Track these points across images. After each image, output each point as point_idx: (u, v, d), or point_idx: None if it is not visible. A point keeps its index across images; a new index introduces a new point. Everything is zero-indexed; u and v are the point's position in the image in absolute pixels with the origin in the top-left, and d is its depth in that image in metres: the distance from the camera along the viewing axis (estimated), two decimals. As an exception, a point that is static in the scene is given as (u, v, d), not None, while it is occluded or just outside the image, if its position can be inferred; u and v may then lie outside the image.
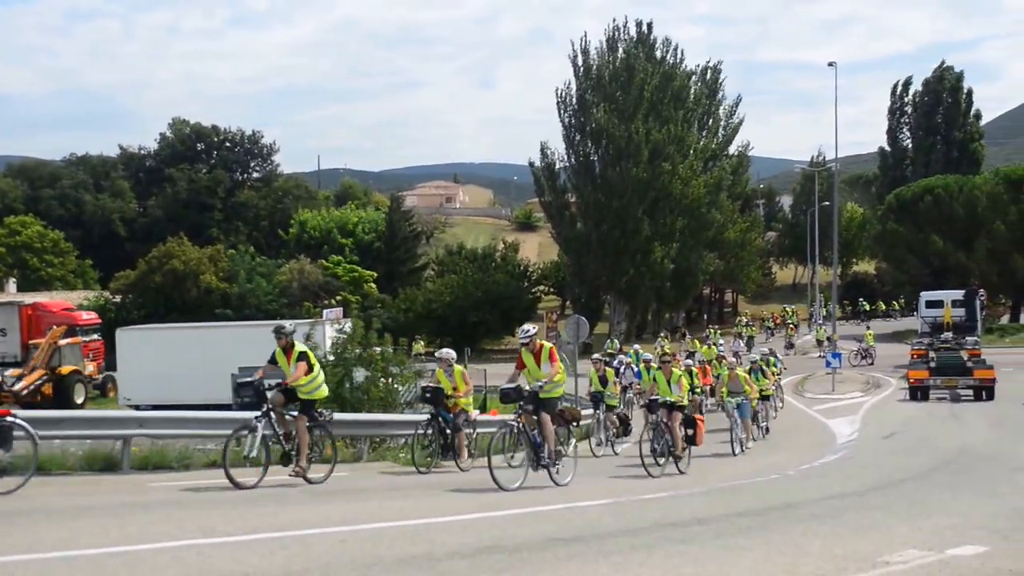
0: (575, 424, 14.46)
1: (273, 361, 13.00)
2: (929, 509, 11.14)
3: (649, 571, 6.99)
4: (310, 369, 12.93)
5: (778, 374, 30.64)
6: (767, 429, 25.00)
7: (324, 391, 13.42)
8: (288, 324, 13.79)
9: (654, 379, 17.61)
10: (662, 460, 15.87)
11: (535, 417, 12.85)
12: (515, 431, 13.04)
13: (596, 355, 24.99)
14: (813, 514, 10.57)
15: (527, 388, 13.07)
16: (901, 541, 8.36)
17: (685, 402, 16.98)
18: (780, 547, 8.12)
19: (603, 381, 21.52)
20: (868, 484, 14.09)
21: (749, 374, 23.52)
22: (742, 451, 20.75)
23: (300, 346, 13.31)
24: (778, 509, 11.01)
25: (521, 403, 12.93)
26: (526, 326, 14.67)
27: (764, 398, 24.77)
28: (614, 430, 21.43)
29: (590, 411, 21.71)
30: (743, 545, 8.26)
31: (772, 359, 30.26)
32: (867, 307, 74.44)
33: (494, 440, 13.33)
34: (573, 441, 14.28)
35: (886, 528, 9.48)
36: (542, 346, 13.50)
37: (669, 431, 16.10)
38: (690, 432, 16.76)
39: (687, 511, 10.77)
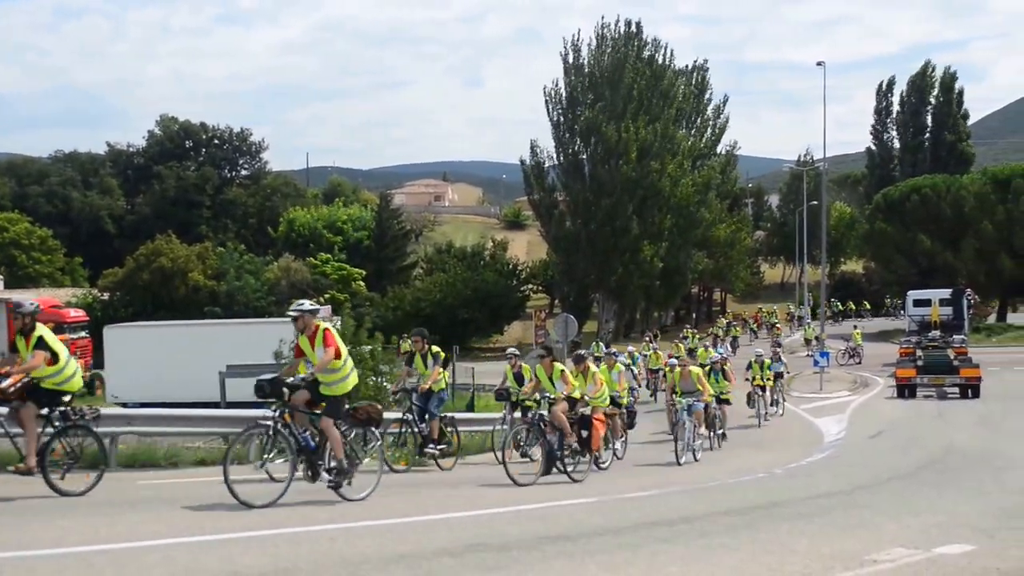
0: (375, 427, 11.39)
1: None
2: (916, 508, 11.19)
3: (635, 569, 7.01)
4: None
5: (768, 377, 29.35)
6: (723, 436, 22.96)
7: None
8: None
9: (536, 375, 15.15)
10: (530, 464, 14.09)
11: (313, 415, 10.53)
12: (272, 432, 10.16)
13: (512, 349, 20.97)
14: (800, 513, 10.61)
15: (292, 379, 10.44)
16: (888, 540, 8.40)
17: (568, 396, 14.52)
18: (767, 546, 8.15)
19: (519, 379, 19.10)
20: (855, 483, 14.14)
21: (708, 375, 22.13)
22: (695, 459, 18.22)
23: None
24: (765, 508, 11.04)
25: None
26: (301, 300, 11.25)
27: (723, 401, 23.15)
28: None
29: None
30: (729, 544, 8.29)
31: (768, 360, 29.61)
32: (840, 307, 74.54)
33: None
34: (374, 445, 11.59)
35: (873, 527, 9.52)
36: (317, 327, 10.64)
37: (553, 431, 13.84)
38: (584, 434, 14.41)
39: (673, 510, 10.80)
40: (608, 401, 16.36)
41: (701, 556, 7.64)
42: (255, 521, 8.68)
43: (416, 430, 15.47)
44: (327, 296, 63.04)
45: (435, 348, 16.44)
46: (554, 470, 13.63)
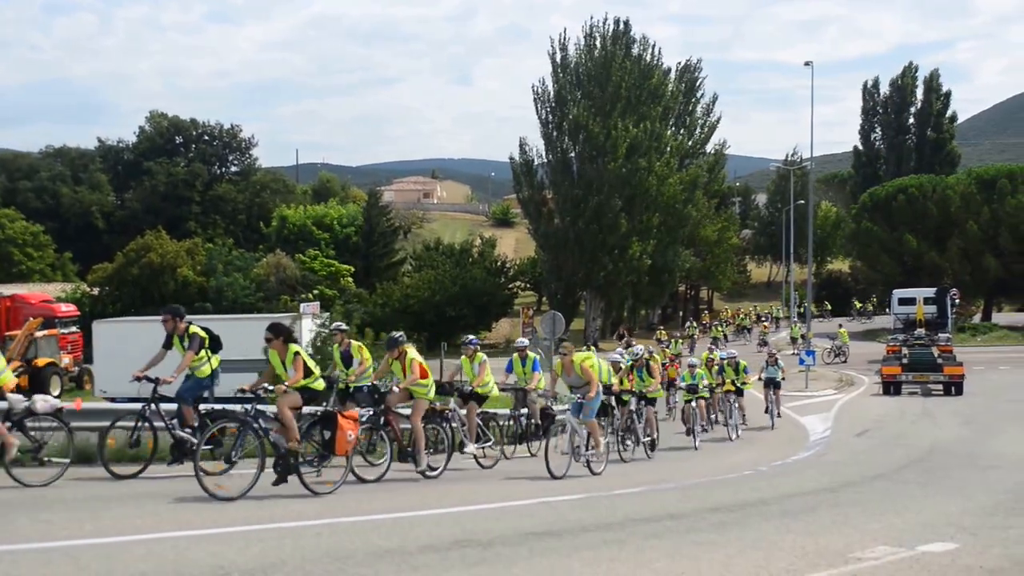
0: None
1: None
2: (901, 506, 11.26)
3: (621, 565, 7.04)
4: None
5: (743, 381, 25.78)
6: (651, 443, 18.78)
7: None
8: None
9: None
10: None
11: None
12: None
13: (471, 337, 18.07)
14: (786, 510, 10.65)
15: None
16: (873, 537, 8.46)
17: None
18: (753, 543, 8.19)
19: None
20: (840, 481, 14.20)
21: (631, 371, 18.94)
22: (592, 472, 14.33)
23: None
24: (751, 505, 11.08)
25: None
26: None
27: (648, 401, 18.97)
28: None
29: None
30: (715, 540, 8.33)
31: (743, 363, 26.26)
32: (813, 309, 74.21)
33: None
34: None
35: (858, 524, 9.57)
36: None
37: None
38: (327, 434, 11.04)
39: (660, 506, 10.84)
40: (432, 393, 13.69)
41: (688, 552, 7.67)
42: (241, 516, 8.68)
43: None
44: (315, 292, 62.98)
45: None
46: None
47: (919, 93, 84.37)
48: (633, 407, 18.37)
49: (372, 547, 7.37)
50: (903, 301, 38.96)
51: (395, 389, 13.18)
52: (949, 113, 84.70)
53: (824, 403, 32.66)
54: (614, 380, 17.62)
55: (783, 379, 28.73)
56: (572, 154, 65.51)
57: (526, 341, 16.24)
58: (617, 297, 67.95)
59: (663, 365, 28.59)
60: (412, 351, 13.26)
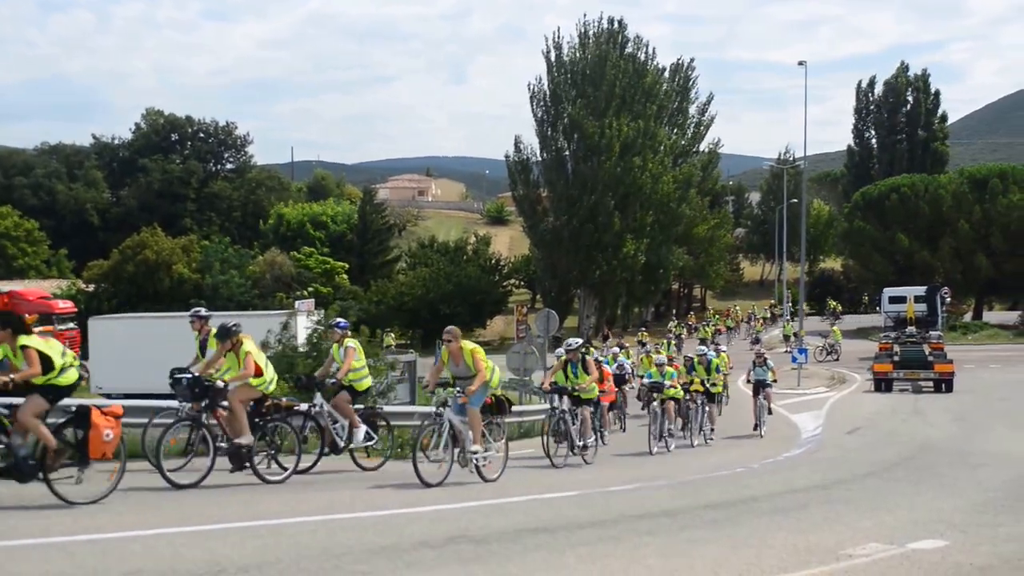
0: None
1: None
2: (891, 503, 11.32)
3: (615, 562, 7.09)
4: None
5: (715, 382, 23.68)
6: (584, 447, 16.51)
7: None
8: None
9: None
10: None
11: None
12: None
13: (339, 320, 15.88)
14: (777, 507, 10.71)
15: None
16: (864, 535, 8.51)
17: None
18: (745, 540, 8.25)
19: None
20: (832, 478, 14.26)
21: (565, 366, 16.90)
22: (483, 479, 12.49)
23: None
24: (743, 502, 11.14)
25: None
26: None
27: (584, 402, 16.70)
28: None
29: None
30: (708, 537, 8.39)
31: (716, 361, 23.99)
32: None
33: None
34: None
35: (849, 522, 9.63)
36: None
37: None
38: (79, 434, 9.56)
39: (653, 503, 10.89)
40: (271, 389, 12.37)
41: (681, 549, 7.73)
42: (237, 512, 8.72)
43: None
44: (310, 290, 63.00)
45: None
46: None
47: (911, 93, 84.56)
48: (565, 406, 16.11)
49: (367, 544, 7.41)
50: (893, 299, 39.16)
51: (220, 383, 11.70)
52: (940, 113, 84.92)
53: (816, 401, 32.75)
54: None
55: (774, 381, 25.98)
56: (567, 152, 65.56)
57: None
58: (611, 295, 68.01)
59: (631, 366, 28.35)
60: (248, 343, 11.92)
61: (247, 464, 11.50)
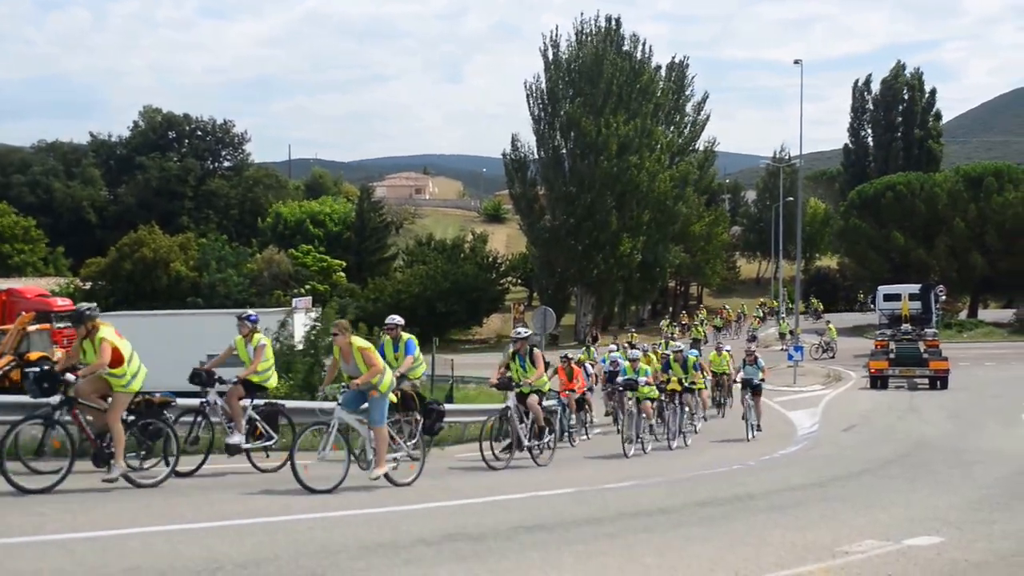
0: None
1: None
2: (887, 500, 11.35)
3: (611, 559, 7.11)
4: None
5: (692, 381, 21.95)
6: (547, 447, 15.57)
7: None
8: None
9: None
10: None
11: None
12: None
13: (249, 312, 14.35)
14: (774, 505, 10.73)
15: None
16: (860, 531, 8.53)
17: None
18: (741, 537, 8.27)
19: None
20: (828, 476, 14.29)
21: (514, 358, 15.56)
22: (403, 483, 11.40)
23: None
24: (739, 499, 11.16)
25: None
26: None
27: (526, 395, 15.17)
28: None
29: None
30: (705, 535, 8.41)
31: (692, 358, 22.53)
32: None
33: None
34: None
35: (845, 519, 9.65)
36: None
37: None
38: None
39: (650, 501, 10.90)
40: (136, 384, 11.03)
41: (677, 547, 7.75)
42: (234, 509, 8.73)
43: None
44: (308, 287, 63.02)
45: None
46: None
47: (906, 92, 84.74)
48: (511, 403, 14.83)
49: (364, 541, 7.43)
50: (888, 297, 39.31)
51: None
52: (934, 111, 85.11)
53: (812, 398, 32.79)
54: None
55: (763, 380, 23.79)
56: (564, 151, 65.60)
57: (398, 319, 13.73)
58: (608, 293, 68.07)
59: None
60: (106, 329, 10.41)
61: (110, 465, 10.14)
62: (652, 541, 7.95)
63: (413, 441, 12.25)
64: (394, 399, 11.63)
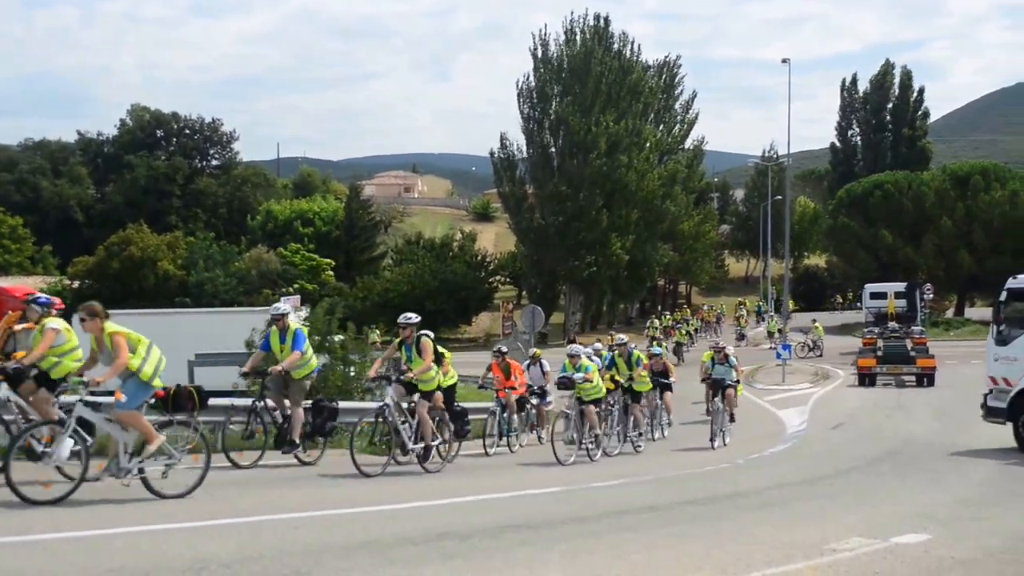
0: None
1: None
2: (875, 498, 11.38)
3: (598, 557, 7.10)
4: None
5: (638, 376, 19.53)
6: (426, 452, 13.41)
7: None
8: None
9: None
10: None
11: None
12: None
13: (39, 294, 14.95)
14: (763, 503, 10.75)
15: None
16: (848, 529, 8.55)
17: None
18: (730, 534, 8.27)
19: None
20: (816, 473, 14.32)
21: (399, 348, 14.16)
22: (171, 495, 9.70)
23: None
24: (728, 497, 11.17)
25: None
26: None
27: (424, 395, 13.61)
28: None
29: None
30: (693, 532, 8.41)
31: (638, 354, 20.02)
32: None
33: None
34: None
35: (833, 516, 9.68)
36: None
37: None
38: None
39: (637, 499, 10.90)
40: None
41: (665, 544, 7.74)
42: (220, 509, 8.69)
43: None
44: (296, 286, 62.88)
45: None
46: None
47: (895, 91, 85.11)
48: (390, 400, 13.00)
49: (350, 540, 7.40)
50: (874, 295, 39.58)
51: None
52: (922, 110, 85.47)
53: (800, 396, 32.85)
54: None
55: (738, 382, 21.28)
56: (553, 149, 65.56)
57: (286, 307, 13.30)
58: (596, 292, 68.12)
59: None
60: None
61: None
62: (639, 539, 7.94)
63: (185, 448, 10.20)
64: (160, 384, 9.81)
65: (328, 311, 23.06)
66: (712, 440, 19.36)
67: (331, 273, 71.86)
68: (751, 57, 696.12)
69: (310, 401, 13.84)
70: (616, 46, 66.63)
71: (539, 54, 65.69)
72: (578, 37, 65.54)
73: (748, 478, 13.91)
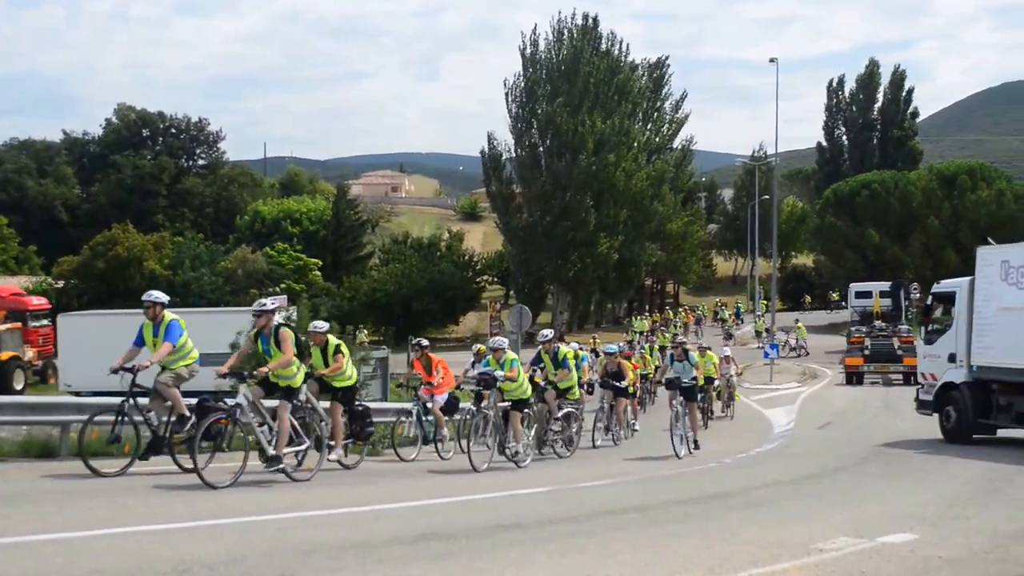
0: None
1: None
2: (862, 497, 11.39)
3: (586, 557, 7.08)
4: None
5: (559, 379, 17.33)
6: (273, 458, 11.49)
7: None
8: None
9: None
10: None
11: None
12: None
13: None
14: (749, 502, 10.75)
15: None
16: (834, 528, 8.55)
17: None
18: (716, 534, 8.26)
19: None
20: (803, 473, 14.33)
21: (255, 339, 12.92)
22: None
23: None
24: (715, 497, 11.17)
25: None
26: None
27: (284, 392, 12.05)
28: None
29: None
30: (680, 532, 8.40)
31: (568, 351, 18.32)
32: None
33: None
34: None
35: (820, 516, 9.68)
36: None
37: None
38: None
39: (625, 499, 10.89)
40: None
41: (652, 544, 7.72)
42: (206, 509, 8.63)
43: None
44: (283, 286, 62.71)
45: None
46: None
47: (882, 91, 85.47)
48: (243, 399, 11.06)
49: (337, 540, 7.36)
50: (860, 295, 39.86)
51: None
52: (910, 110, 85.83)
53: (788, 396, 32.96)
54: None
55: (695, 381, 18.02)
56: (541, 149, 65.60)
57: (153, 298, 11.94)
58: (584, 291, 68.17)
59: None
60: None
61: None
62: (627, 539, 7.92)
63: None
64: None
65: (312, 310, 23.00)
66: (679, 449, 16.70)
67: (318, 273, 71.72)
68: (740, 57, 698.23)
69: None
70: (604, 46, 66.75)
71: (528, 54, 65.78)
72: (566, 37, 65.68)
73: (735, 478, 13.92)
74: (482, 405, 14.55)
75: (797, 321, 54.18)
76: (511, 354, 14.92)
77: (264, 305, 11.71)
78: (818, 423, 25.09)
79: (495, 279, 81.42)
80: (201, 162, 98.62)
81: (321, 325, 13.19)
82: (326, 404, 12.70)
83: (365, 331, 57.21)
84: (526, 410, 14.86)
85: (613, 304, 77.09)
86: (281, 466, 11.02)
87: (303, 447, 11.58)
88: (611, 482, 12.88)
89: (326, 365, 12.86)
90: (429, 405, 15.89)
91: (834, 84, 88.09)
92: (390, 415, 16.74)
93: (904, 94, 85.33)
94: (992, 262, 18.24)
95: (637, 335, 52.79)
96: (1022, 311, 16.94)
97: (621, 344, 29.75)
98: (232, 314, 28.22)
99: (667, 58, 75.65)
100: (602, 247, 62.80)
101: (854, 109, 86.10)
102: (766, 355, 38.71)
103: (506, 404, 14.38)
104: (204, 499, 9.50)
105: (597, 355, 27.76)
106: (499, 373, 14.25)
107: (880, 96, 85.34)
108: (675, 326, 56.62)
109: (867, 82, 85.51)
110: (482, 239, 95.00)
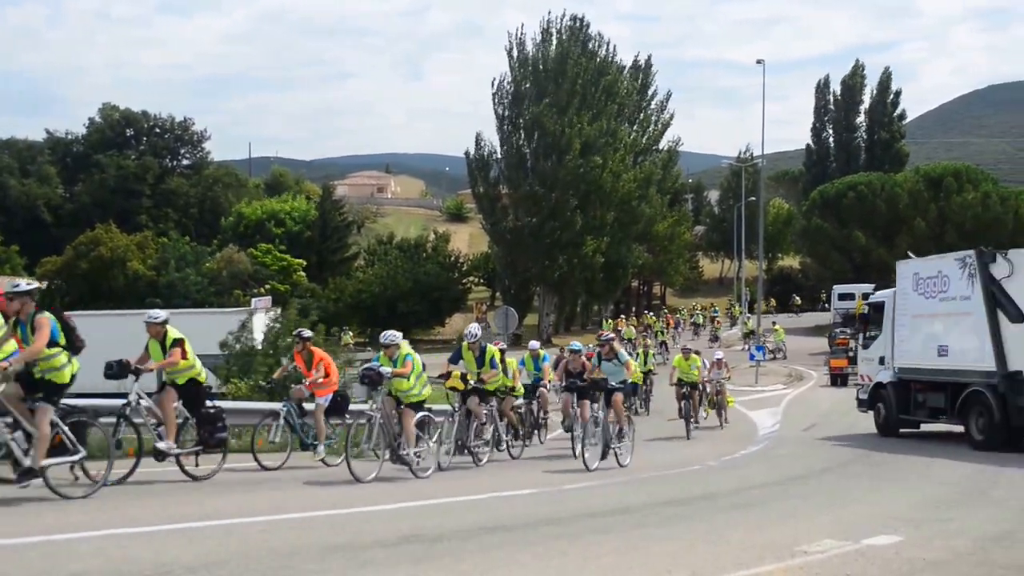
0: None
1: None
2: (847, 499, 11.42)
3: (570, 559, 7.07)
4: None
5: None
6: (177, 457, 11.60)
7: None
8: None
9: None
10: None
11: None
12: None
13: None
14: (734, 504, 10.75)
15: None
16: (819, 531, 8.56)
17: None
18: (701, 536, 8.26)
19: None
20: (788, 475, 14.36)
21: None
22: None
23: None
24: (700, 499, 11.18)
25: None
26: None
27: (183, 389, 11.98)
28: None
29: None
30: (664, 534, 8.39)
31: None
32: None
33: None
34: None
35: (805, 518, 9.69)
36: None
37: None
38: None
39: (610, 501, 10.87)
40: None
41: (637, 546, 7.71)
42: (189, 512, 8.59)
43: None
44: (267, 287, 62.54)
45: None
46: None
47: (868, 92, 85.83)
48: (134, 399, 11.13)
49: (321, 543, 7.32)
50: (843, 296, 40.07)
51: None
52: (898, 112, 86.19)
53: (773, 398, 33.01)
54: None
55: (623, 383, 15.44)
56: (528, 150, 65.56)
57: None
58: (570, 293, 68.18)
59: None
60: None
61: None
62: (611, 541, 7.91)
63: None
64: None
65: (301, 312, 22.93)
66: (586, 461, 14.20)
67: (303, 274, 71.55)
68: (726, 58, 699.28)
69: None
70: (592, 47, 66.78)
71: (515, 54, 65.72)
72: (554, 38, 65.64)
73: (720, 479, 13.93)
74: (373, 407, 12.67)
75: (775, 323, 54.05)
76: (407, 349, 13.33)
77: (18, 286, 9.69)
78: (803, 425, 25.15)
79: (481, 280, 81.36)
80: (185, 162, 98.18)
81: (157, 314, 11.76)
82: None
83: (350, 332, 57.10)
84: (421, 414, 13.14)
85: (600, 306, 77.16)
86: (38, 480, 9.22)
87: (75, 458, 9.77)
88: (597, 484, 12.82)
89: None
90: (307, 406, 14.25)
91: (821, 85, 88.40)
92: (254, 417, 14.70)
93: (891, 96, 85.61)
94: (907, 275, 20.21)
95: (626, 342, 52.50)
96: (929, 318, 19.20)
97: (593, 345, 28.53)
98: (218, 315, 28.11)
99: (651, 57, 75.62)
100: (588, 249, 62.82)
101: (840, 110, 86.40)
102: (752, 357, 38.77)
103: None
104: (187, 502, 9.44)
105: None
106: (385, 369, 12.65)
107: (866, 98, 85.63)
108: (662, 334, 56.31)
109: (851, 83, 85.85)
110: (468, 240, 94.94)
